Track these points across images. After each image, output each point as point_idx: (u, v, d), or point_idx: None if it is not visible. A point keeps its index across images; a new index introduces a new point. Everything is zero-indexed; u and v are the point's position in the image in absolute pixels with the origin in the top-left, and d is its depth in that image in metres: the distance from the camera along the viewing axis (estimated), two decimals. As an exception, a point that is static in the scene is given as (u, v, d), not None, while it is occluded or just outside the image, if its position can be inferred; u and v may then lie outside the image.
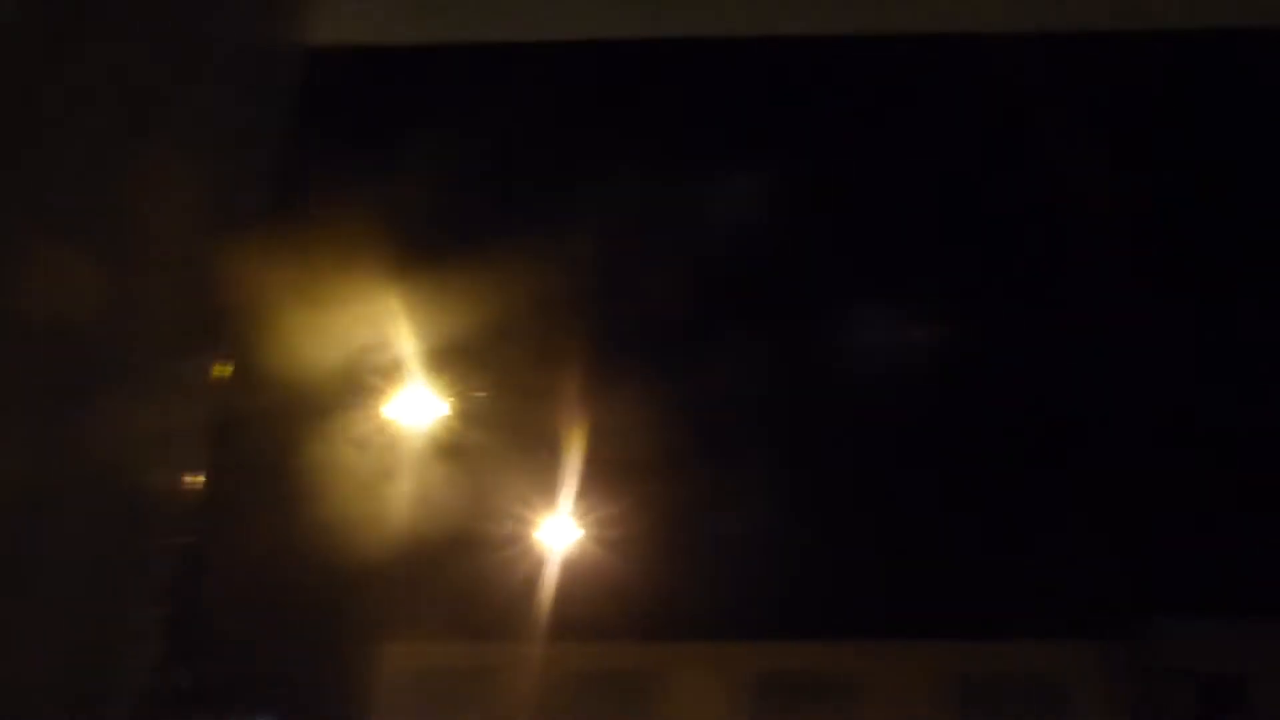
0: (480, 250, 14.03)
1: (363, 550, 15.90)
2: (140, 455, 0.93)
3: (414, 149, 13.50)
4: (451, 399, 13.49)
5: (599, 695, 19.70)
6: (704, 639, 19.32)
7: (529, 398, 15.35)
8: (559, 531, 17.29)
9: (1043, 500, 19.91)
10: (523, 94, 12.76)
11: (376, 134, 13.10)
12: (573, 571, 18.01)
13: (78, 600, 0.85)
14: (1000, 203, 15.03)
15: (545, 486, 16.58)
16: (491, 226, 14.42)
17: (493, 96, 12.94)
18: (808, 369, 18.17)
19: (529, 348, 14.47)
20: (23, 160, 0.93)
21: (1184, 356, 15.51)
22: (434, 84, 12.58)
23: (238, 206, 1.07)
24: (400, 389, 13.04)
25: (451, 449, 14.59)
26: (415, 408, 13.39)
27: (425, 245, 12.90)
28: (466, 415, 14.14)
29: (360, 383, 13.30)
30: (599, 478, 16.83)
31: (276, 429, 13.81)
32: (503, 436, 15.70)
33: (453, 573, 17.95)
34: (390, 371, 13.06)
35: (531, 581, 17.99)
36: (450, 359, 13.29)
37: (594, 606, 18.29)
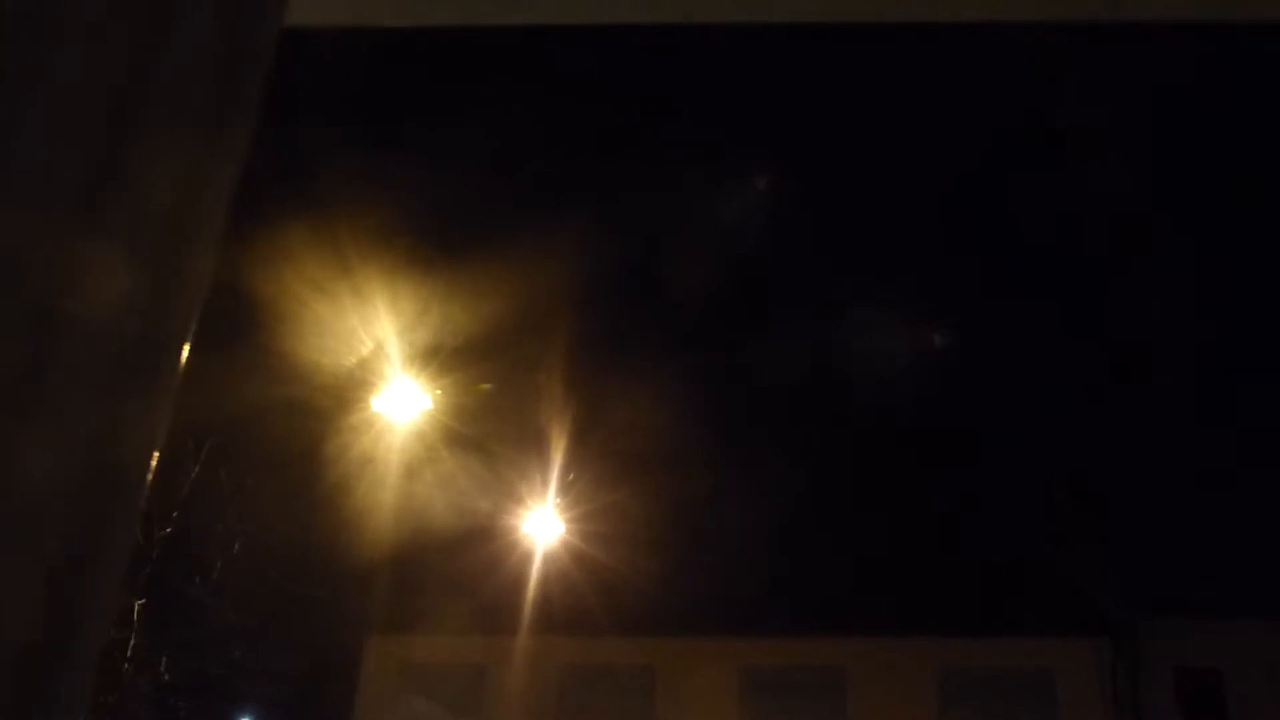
0: (470, 243, 14.09)
1: (354, 544, 15.96)
2: (110, 443, 0.98)
3: (400, 136, 13.53)
4: (443, 394, 13.49)
5: (588, 689, 19.76)
6: (694, 634, 19.38)
7: (521, 394, 15.38)
8: (547, 527, 17.32)
9: (1031, 502, 20.03)
10: (513, 81, 12.80)
11: (363, 121, 13.11)
12: (561, 567, 18.07)
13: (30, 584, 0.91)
14: (1008, 198, 15.05)
15: (534, 482, 16.62)
16: (480, 217, 14.48)
17: (480, 83, 12.97)
18: (798, 367, 18.26)
19: (521, 344, 14.52)
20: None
21: (1172, 362, 15.61)
22: (419, 69, 12.62)
23: (214, 190, 1.11)
24: (391, 384, 13.04)
25: (442, 444, 14.61)
26: (406, 403, 13.36)
27: (413, 238, 12.93)
28: (458, 410, 14.14)
29: (352, 377, 13.34)
30: (588, 474, 16.92)
31: (265, 422, 13.84)
32: (495, 432, 15.73)
33: (443, 567, 18.02)
34: (381, 366, 13.10)
35: (521, 576, 18.05)
36: (442, 354, 13.34)
37: (582, 602, 18.37)
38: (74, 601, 0.88)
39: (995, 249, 17.15)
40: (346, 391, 13.53)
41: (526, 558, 17.70)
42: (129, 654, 12.51)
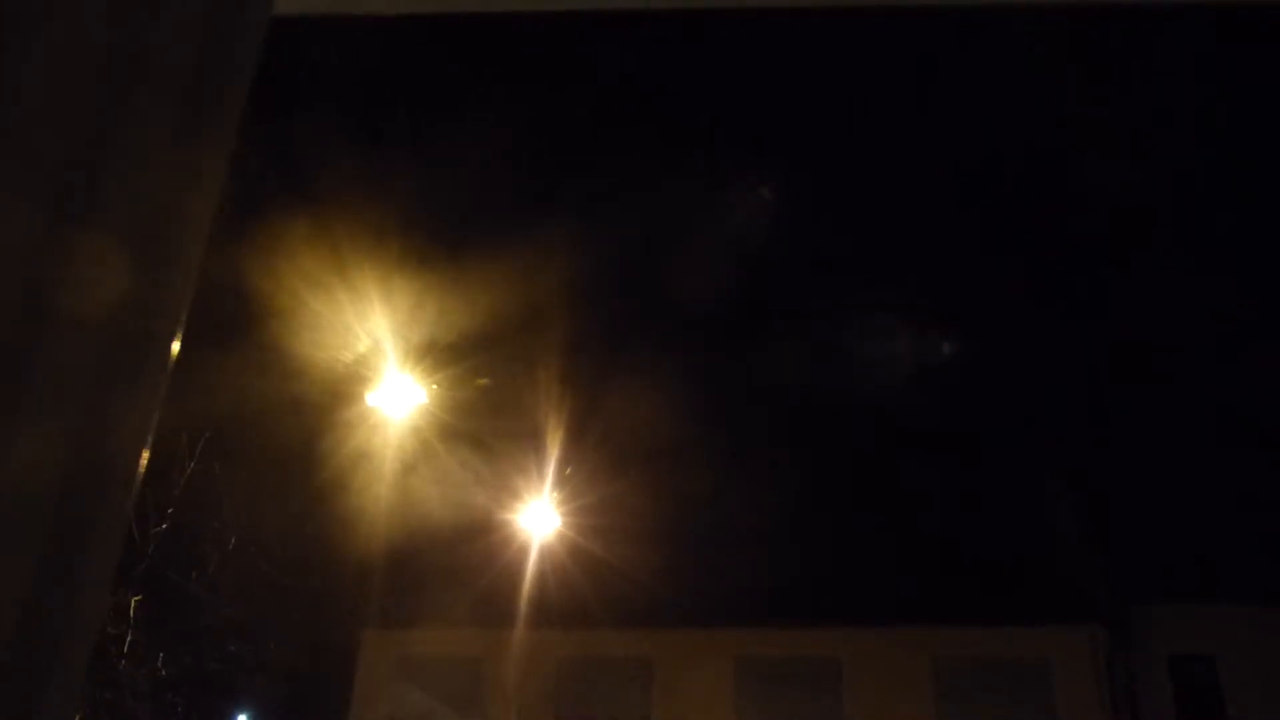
0: (466, 238, 14.06)
1: (350, 539, 15.93)
2: (100, 436, 0.96)
3: (396, 130, 13.49)
4: (439, 389, 13.47)
5: (585, 681, 19.80)
6: (690, 626, 19.41)
7: (518, 388, 15.35)
8: (543, 520, 17.33)
9: (1025, 493, 20.08)
10: (509, 74, 12.74)
11: (358, 115, 13.07)
12: (557, 560, 18.08)
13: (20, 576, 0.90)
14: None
15: (530, 476, 16.59)
16: (475, 211, 14.44)
17: (475, 75, 12.92)
18: (795, 362, 18.26)
19: (517, 338, 14.49)
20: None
21: (1164, 353, 15.65)
22: (414, 62, 12.55)
23: (203, 180, 1.08)
24: (387, 379, 13.02)
25: (439, 439, 14.58)
26: (402, 398, 13.32)
27: (408, 233, 12.90)
28: (454, 405, 14.10)
29: (347, 372, 13.32)
30: (584, 468, 16.90)
31: (261, 417, 13.83)
32: (491, 426, 15.70)
33: (440, 561, 18.00)
34: (377, 361, 13.07)
35: (518, 570, 18.04)
36: (438, 349, 13.31)
37: (579, 594, 18.36)
38: (63, 595, 0.87)
39: (993, 246, 17.17)
40: (342, 386, 13.52)
41: (523, 551, 17.71)
42: (125, 650, 12.50)
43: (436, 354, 13.40)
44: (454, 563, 18.14)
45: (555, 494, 16.83)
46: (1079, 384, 18.21)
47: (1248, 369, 15.73)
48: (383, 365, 13.11)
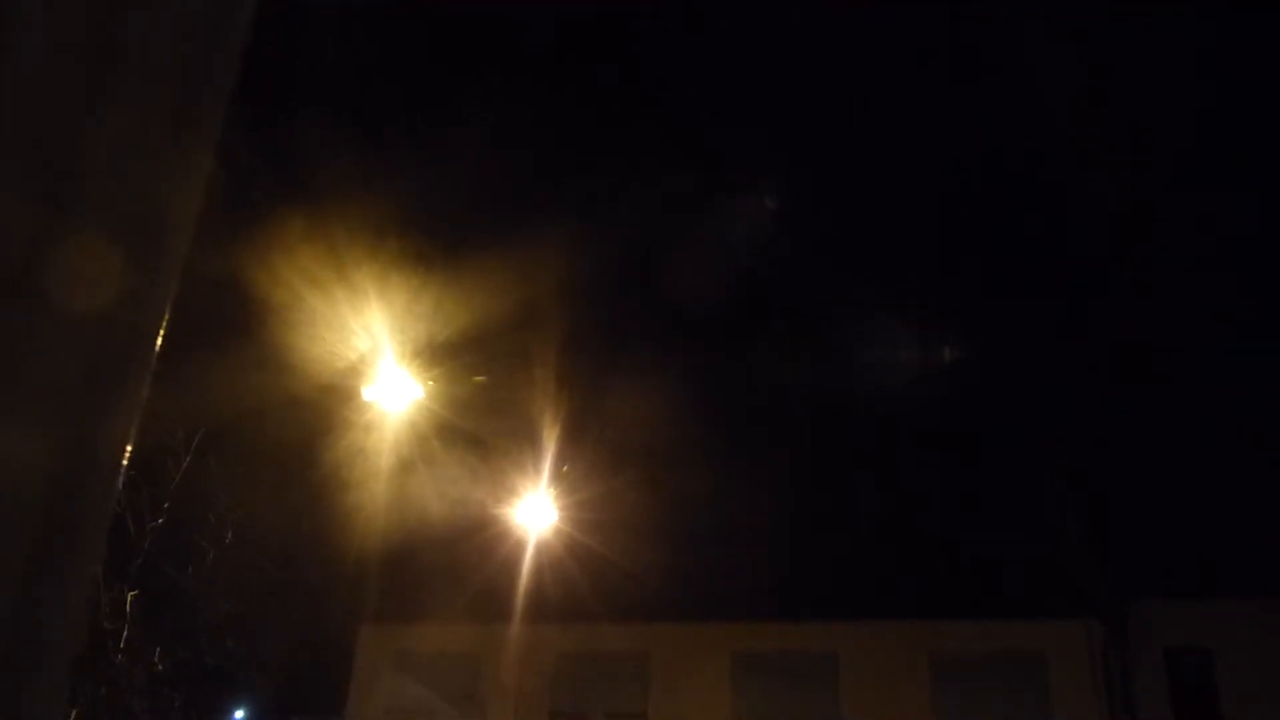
0: (465, 236, 14.03)
1: (347, 534, 15.90)
2: (84, 430, 0.95)
3: (395, 128, 13.45)
4: (436, 385, 13.41)
5: (582, 675, 19.80)
6: (688, 620, 19.42)
7: (515, 385, 15.32)
8: (540, 516, 17.31)
9: (1022, 488, 20.10)
10: (510, 72, 12.67)
11: (356, 112, 13.02)
12: (555, 555, 18.09)
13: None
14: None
15: (528, 472, 16.57)
16: (475, 209, 14.41)
17: (475, 73, 12.86)
18: (793, 360, 18.25)
19: (515, 336, 14.44)
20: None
21: (1160, 351, 15.67)
22: (413, 61, 12.49)
23: (188, 174, 1.06)
24: (384, 375, 12.97)
25: (436, 435, 14.54)
26: (399, 394, 13.25)
27: (407, 230, 12.85)
28: (452, 401, 14.04)
29: (345, 368, 13.27)
30: (581, 464, 16.89)
31: (257, 413, 13.79)
32: (488, 422, 15.66)
33: (437, 556, 17.99)
34: (375, 358, 13.03)
35: (515, 565, 18.04)
36: (435, 346, 13.26)
37: (576, 589, 18.38)
38: (48, 588, 0.86)
39: (992, 246, 17.18)
40: (339, 382, 13.47)
41: (520, 547, 17.71)
42: (122, 645, 12.49)
43: (434, 350, 13.36)
44: (451, 558, 18.15)
45: (552, 490, 16.83)
46: (1076, 380, 18.23)
47: (1244, 365, 15.77)
48: (380, 361, 13.06)
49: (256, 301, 12.29)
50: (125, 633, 12.56)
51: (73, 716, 11.74)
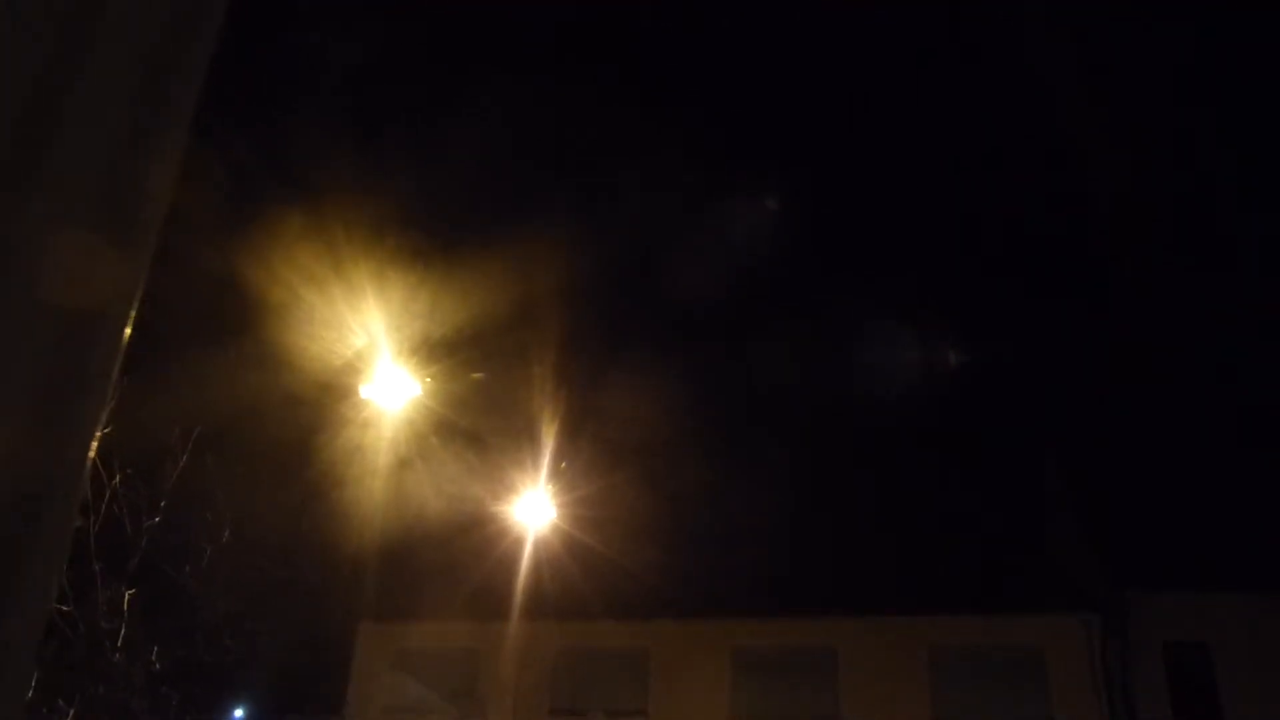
0: (462, 233, 14.03)
1: (345, 531, 15.88)
2: (48, 421, 0.92)
3: (392, 126, 13.42)
4: (434, 382, 13.36)
5: (582, 672, 19.79)
6: (687, 617, 19.42)
7: (513, 382, 15.31)
8: (539, 513, 17.23)
9: (1021, 483, 20.12)
10: (505, 70, 12.66)
11: (353, 110, 12.99)
12: (553, 552, 18.07)
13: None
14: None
15: (526, 469, 16.54)
16: (472, 207, 14.40)
17: (471, 72, 12.84)
18: (792, 356, 18.28)
19: (513, 332, 14.43)
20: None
21: (1158, 347, 15.68)
22: (411, 59, 12.49)
23: (163, 152, 1.02)
24: (382, 372, 12.93)
25: (434, 432, 14.52)
26: (397, 391, 13.20)
27: (404, 228, 12.85)
28: (450, 398, 14.01)
29: (342, 365, 13.24)
30: (579, 461, 16.89)
31: (255, 411, 13.77)
32: (487, 419, 15.66)
33: (436, 554, 17.97)
34: (372, 354, 12.98)
35: (514, 562, 18.00)
36: (433, 343, 13.24)
37: (575, 586, 18.37)
38: (10, 584, 0.84)
39: (991, 245, 17.19)
40: (336, 380, 13.44)
41: (518, 544, 17.68)
42: (120, 644, 12.48)
43: (431, 347, 13.32)
44: (449, 556, 18.15)
45: (550, 487, 16.80)
46: (1075, 376, 18.25)
47: (1243, 361, 15.78)
48: (377, 359, 13.02)
49: (254, 300, 12.29)
50: (123, 631, 12.55)
51: (70, 716, 11.73)
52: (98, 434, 0.96)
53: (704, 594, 19.21)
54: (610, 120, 13.15)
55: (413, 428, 14.24)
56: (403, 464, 14.78)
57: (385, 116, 13.22)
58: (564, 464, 16.66)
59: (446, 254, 13.14)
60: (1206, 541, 17.21)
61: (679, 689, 19.32)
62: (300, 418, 13.76)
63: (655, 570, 18.20)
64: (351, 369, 13.27)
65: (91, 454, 0.95)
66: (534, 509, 17.15)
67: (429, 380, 13.52)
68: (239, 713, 19.71)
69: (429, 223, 13.27)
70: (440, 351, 13.50)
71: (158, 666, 13.27)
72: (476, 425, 15.24)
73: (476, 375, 14.48)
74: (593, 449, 16.79)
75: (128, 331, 0.98)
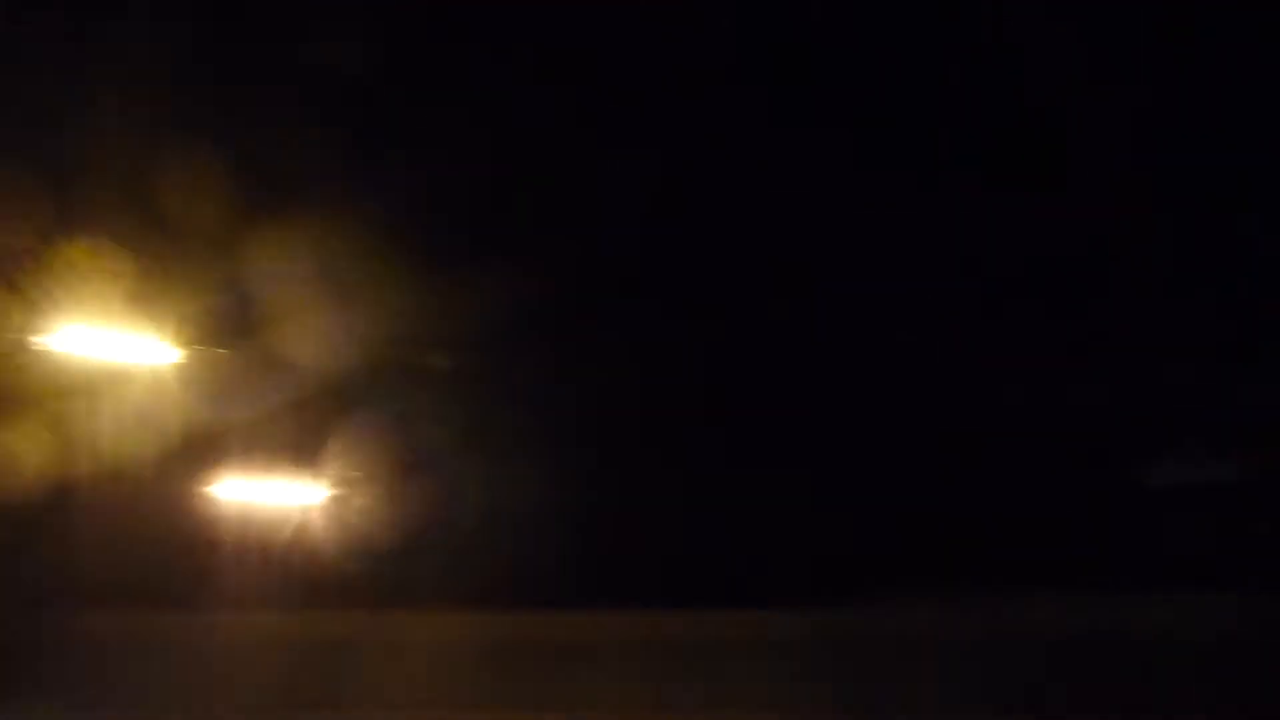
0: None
1: (49, 506, 14.23)
2: None
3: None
4: (185, 347, 11.27)
5: (315, 664, 18.07)
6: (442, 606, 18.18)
7: (274, 351, 13.52)
8: (290, 493, 15.65)
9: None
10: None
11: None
12: (307, 536, 16.41)
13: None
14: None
15: (277, 446, 14.81)
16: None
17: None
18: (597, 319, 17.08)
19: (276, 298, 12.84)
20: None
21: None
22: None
23: None
24: (122, 332, 10.62)
25: (177, 400, 12.54)
26: (141, 354, 10.92)
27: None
28: (199, 365, 12.03)
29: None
30: (345, 440, 15.19)
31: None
32: (236, 389, 13.78)
33: (164, 534, 15.93)
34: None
35: (248, 546, 16.43)
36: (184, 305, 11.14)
37: (322, 572, 16.51)
38: None
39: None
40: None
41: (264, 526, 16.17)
42: None
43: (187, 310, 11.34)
44: (176, 535, 16.21)
45: (314, 466, 15.16)
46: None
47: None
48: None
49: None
50: None
51: None
52: None
53: (470, 584, 17.99)
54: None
55: (158, 394, 12.19)
56: (144, 433, 12.97)
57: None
58: (326, 442, 15.03)
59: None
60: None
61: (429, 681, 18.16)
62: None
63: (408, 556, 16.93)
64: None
65: None
66: (284, 489, 15.50)
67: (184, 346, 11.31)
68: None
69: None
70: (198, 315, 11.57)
71: None
72: (231, 395, 13.39)
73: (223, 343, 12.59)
74: (360, 428, 15.32)
75: None
